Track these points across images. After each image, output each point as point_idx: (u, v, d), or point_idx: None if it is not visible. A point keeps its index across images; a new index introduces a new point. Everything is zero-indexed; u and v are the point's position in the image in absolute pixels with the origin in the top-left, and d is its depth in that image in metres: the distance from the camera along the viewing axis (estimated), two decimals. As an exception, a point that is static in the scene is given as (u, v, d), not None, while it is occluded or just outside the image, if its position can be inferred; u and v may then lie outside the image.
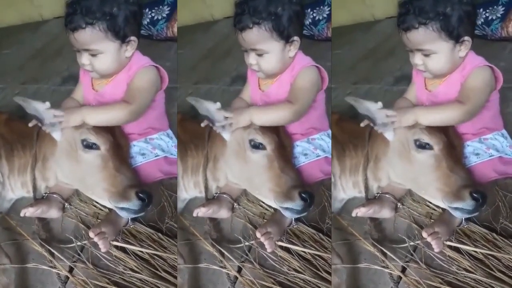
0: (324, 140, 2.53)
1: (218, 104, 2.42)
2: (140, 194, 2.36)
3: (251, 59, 2.46)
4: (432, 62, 2.39)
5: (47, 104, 2.36)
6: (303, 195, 2.39)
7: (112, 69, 2.44)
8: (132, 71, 2.45)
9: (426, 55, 2.39)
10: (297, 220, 2.52)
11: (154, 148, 2.50)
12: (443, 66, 2.40)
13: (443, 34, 2.37)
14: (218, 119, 2.42)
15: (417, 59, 2.40)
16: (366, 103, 2.40)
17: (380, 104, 2.39)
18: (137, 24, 2.46)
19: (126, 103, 2.42)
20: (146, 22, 3.03)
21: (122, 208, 2.37)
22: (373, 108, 2.39)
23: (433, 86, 2.46)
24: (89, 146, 2.40)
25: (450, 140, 2.41)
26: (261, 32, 2.42)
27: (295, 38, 2.45)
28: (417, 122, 2.40)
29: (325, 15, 3.02)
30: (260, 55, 2.45)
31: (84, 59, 2.42)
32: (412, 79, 2.52)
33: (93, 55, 2.41)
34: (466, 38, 2.38)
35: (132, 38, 2.44)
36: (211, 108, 2.42)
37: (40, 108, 2.37)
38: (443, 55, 2.38)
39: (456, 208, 2.37)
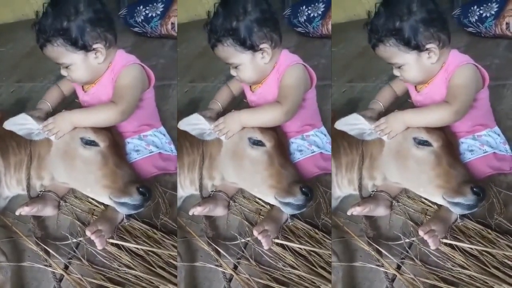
0: (318, 136, 2.53)
1: (200, 117, 2.45)
2: (140, 189, 2.36)
3: (232, 71, 2.49)
4: (406, 73, 2.41)
5: (28, 117, 2.40)
6: (304, 189, 2.39)
7: (89, 77, 2.45)
8: (116, 71, 2.44)
9: (399, 67, 2.41)
10: (292, 216, 2.53)
11: (148, 144, 2.50)
12: (416, 75, 2.41)
13: (402, 47, 2.37)
14: (209, 127, 2.45)
15: (395, 71, 2.43)
16: (351, 119, 2.42)
17: (361, 117, 2.42)
18: (101, 29, 2.42)
19: (113, 104, 2.41)
20: (140, 20, 3.03)
21: (123, 204, 2.37)
22: (360, 121, 2.42)
23: (420, 88, 2.47)
24: (89, 143, 2.40)
25: (448, 137, 2.42)
26: (225, 48, 2.44)
27: (263, 46, 2.44)
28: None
29: (320, 12, 3.03)
30: (235, 67, 2.46)
31: (63, 71, 2.45)
32: None
33: (66, 67, 2.43)
34: (430, 46, 2.38)
35: (97, 46, 2.41)
36: (199, 120, 2.44)
37: (25, 121, 2.40)
38: (410, 66, 2.40)
39: (456, 204, 2.36)
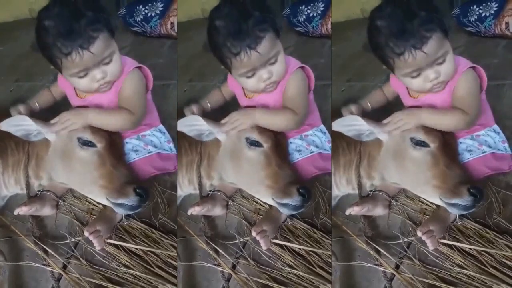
0: (317, 136, 2.53)
1: (199, 118, 2.44)
2: (137, 190, 2.36)
3: (264, 74, 2.42)
4: (446, 66, 2.36)
5: (26, 118, 2.39)
6: (301, 190, 2.39)
7: (120, 69, 2.41)
8: (120, 77, 2.43)
9: (440, 63, 2.35)
10: (291, 216, 2.53)
11: (146, 144, 2.50)
12: (453, 64, 2.37)
13: (443, 34, 2.35)
14: (207, 128, 2.44)
15: (431, 75, 2.35)
16: (348, 120, 2.43)
17: (359, 118, 2.42)
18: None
19: (130, 113, 2.41)
20: (139, 19, 3.02)
21: (120, 204, 2.37)
22: (358, 122, 2.41)
23: (417, 95, 2.45)
24: (86, 143, 2.40)
25: (445, 138, 2.42)
26: (270, 36, 2.40)
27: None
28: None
29: (319, 12, 3.02)
30: (273, 63, 2.41)
31: (99, 75, 2.37)
32: (391, 85, 2.53)
33: (107, 63, 2.37)
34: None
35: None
36: (197, 121, 2.44)
37: (23, 122, 2.39)
38: (451, 53, 2.37)
39: (453, 205, 2.37)
